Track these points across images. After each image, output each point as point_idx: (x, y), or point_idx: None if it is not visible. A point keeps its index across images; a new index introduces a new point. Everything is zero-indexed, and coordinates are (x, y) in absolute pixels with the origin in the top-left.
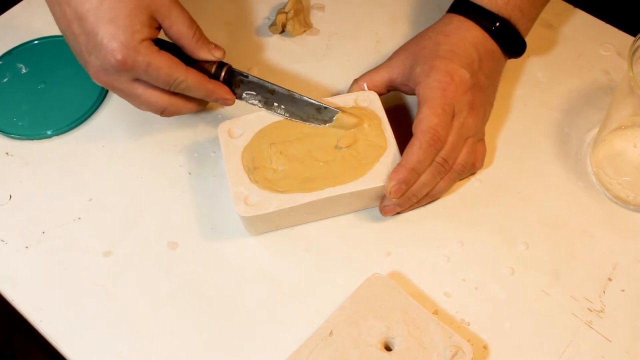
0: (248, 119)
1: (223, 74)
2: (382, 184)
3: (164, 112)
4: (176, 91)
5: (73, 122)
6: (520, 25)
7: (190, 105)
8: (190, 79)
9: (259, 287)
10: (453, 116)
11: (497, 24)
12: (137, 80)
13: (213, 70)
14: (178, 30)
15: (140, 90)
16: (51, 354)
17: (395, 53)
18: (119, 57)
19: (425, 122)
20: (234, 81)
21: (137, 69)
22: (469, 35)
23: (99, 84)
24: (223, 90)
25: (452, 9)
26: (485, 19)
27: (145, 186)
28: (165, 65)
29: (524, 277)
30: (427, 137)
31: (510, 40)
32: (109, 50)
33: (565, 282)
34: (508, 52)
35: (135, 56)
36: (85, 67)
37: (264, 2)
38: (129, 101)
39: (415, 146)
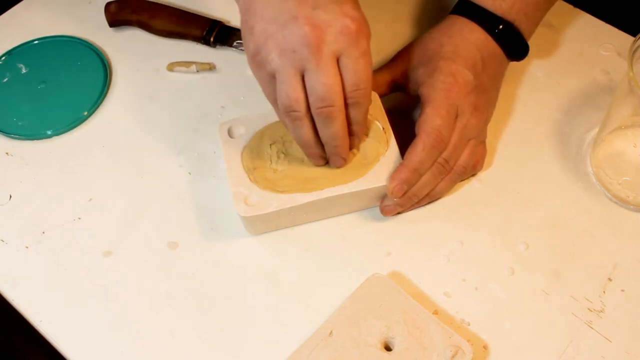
0: (248, 118)
1: (215, 32)
2: (382, 184)
3: (318, 112)
4: (350, 102)
5: (73, 122)
6: (524, 29)
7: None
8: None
9: (259, 287)
10: (456, 117)
11: (501, 26)
12: (337, 60)
13: (208, 27)
14: None
15: (334, 70)
16: (51, 354)
17: (398, 54)
18: (355, 25)
19: (428, 123)
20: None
21: (359, 46)
22: (472, 37)
23: (301, 36)
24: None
25: (456, 11)
26: (489, 22)
27: (145, 186)
28: (372, 71)
29: (524, 277)
30: (430, 138)
31: (513, 44)
32: (350, 14)
33: (565, 282)
34: (511, 55)
35: (367, 32)
36: (289, 15)
37: None
38: (299, 77)
39: (419, 147)
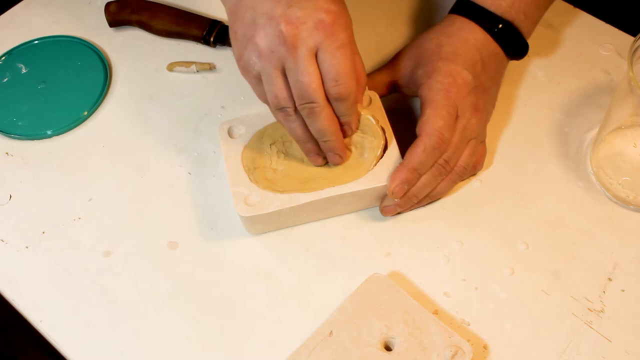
0: (248, 118)
1: (215, 32)
2: (382, 184)
3: (303, 104)
4: (331, 97)
5: (73, 122)
6: (523, 27)
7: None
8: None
9: (259, 287)
10: (456, 118)
11: (500, 26)
12: (316, 55)
13: (207, 27)
14: None
15: (312, 67)
16: (51, 354)
17: (397, 55)
18: (330, 18)
19: (430, 124)
20: (228, 40)
21: (335, 39)
22: (471, 36)
23: (276, 36)
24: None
25: (455, 10)
26: (488, 21)
27: (145, 186)
28: (352, 63)
29: (524, 277)
30: (432, 140)
31: (513, 43)
32: (325, 7)
33: (565, 282)
34: (511, 54)
35: (346, 24)
36: (266, 16)
37: None
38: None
39: (419, 148)
